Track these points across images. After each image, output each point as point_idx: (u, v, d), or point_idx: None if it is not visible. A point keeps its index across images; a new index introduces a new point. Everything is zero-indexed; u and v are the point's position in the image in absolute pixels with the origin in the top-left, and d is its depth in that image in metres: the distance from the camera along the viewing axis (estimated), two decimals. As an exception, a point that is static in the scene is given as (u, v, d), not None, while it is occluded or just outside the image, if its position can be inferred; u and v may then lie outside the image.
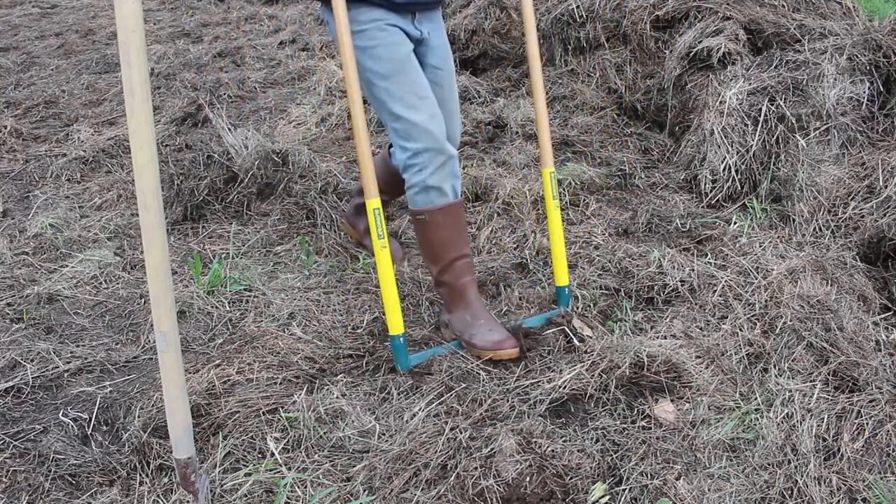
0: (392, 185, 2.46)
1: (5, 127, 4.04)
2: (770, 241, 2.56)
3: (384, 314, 2.10)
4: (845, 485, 1.68)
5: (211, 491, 1.71)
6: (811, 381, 1.96)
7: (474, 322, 2.14)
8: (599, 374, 1.97)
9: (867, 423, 1.82)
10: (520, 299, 2.40)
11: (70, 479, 1.76)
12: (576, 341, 2.15)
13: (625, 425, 1.86)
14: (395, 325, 2.07)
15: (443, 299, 2.24)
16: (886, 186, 2.58)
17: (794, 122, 2.85)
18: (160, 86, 4.88)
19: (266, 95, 4.69)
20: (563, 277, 2.32)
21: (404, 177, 2.12)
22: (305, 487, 1.71)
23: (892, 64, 2.92)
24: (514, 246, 2.73)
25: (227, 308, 2.44)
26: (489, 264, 2.60)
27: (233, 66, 5.33)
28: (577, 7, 4.04)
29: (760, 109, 2.91)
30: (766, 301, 2.23)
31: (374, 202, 2.00)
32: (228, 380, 2.07)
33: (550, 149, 2.28)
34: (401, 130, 2.05)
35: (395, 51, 2.01)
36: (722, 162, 2.93)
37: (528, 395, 1.97)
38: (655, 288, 2.38)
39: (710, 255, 2.53)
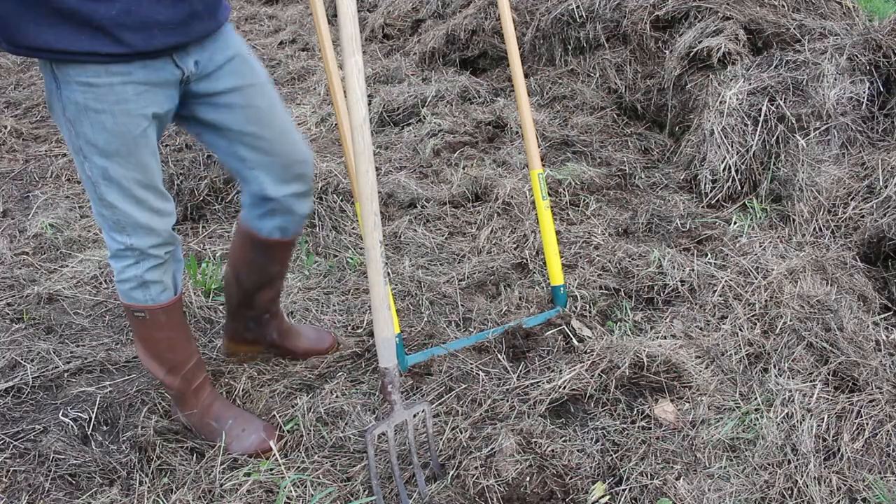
0: (256, 261, 1.92)
1: (5, 127, 4.04)
2: (770, 241, 2.56)
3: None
4: (845, 485, 1.68)
5: (211, 491, 1.71)
6: (811, 381, 1.96)
7: (222, 426, 1.87)
8: (599, 374, 1.97)
9: (867, 423, 1.82)
10: (520, 299, 2.40)
11: (70, 479, 1.76)
12: (575, 342, 2.15)
13: (625, 425, 1.86)
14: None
15: (173, 399, 1.93)
16: (886, 186, 2.58)
17: (794, 122, 2.85)
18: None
19: (266, 95, 4.68)
20: (557, 277, 2.32)
21: (111, 264, 1.70)
22: (305, 487, 1.71)
23: (892, 64, 2.92)
24: (514, 246, 2.73)
25: (227, 308, 2.44)
26: (489, 264, 2.60)
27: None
28: (577, 7, 4.04)
29: (760, 109, 2.91)
30: (766, 301, 2.23)
31: None
32: (233, 389, 2.07)
33: (537, 150, 2.29)
34: (111, 220, 1.60)
35: (129, 123, 1.48)
36: (722, 162, 2.93)
37: (528, 395, 1.97)
38: (655, 288, 2.38)
39: (710, 255, 2.53)
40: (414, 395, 2.01)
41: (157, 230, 1.63)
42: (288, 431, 1.89)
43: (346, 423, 1.91)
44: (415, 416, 1.68)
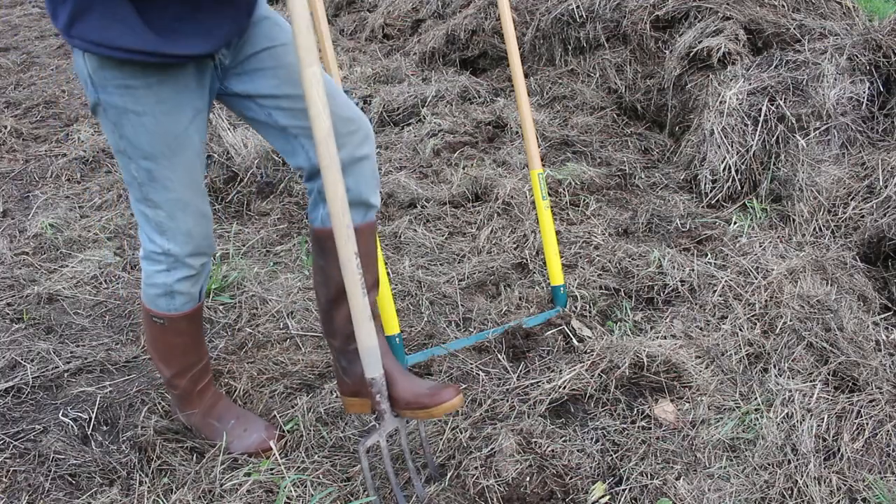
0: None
1: (5, 127, 4.04)
2: (770, 241, 2.56)
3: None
4: (845, 485, 1.68)
5: (211, 491, 1.71)
6: (811, 381, 1.96)
7: (223, 426, 1.86)
8: (599, 374, 1.97)
9: (867, 423, 1.82)
10: (520, 299, 2.40)
11: (70, 479, 1.76)
12: (575, 342, 2.15)
13: (625, 425, 1.86)
14: (391, 326, 2.07)
15: (174, 399, 1.90)
16: (886, 186, 2.58)
17: (794, 122, 2.85)
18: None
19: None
20: (557, 277, 2.32)
21: (142, 264, 1.66)
22: (305, 487, 1.71)
23: (892, 64, 2.92)
24: (514, 246, 2.73)
25: (227, 309, 2.44)
26: (489, 264, 2.60)
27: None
28: (577, 7, 4.04)
29: (760, 109, 2.91)
30: (766, 301, 2.23)
31: None
32: (233, 389, 2.07)
33: (537, 150, 2.29)
34: (153, 220, 1.57)
35: (172, 122, 1.46)
36: (722, 162, 2.93)
37: (528, 395, 1.97)
38: (655, 288, 2.38)
39: (710, 255, 2.53)
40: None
41: (196, 236, 1.60)
42: (288, 431, 1.89)
43: (346, 423, 1.91)
44: (407, 422, 1.67)
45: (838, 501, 1.65)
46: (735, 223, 2.73)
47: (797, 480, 1.68)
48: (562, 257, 2.59)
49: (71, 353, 2.24)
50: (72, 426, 1.92)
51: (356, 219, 1.63)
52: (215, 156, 3.21)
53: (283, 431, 1.89)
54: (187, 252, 1.60)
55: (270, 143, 1.64)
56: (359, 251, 1.57)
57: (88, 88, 1.45)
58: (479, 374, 2.07)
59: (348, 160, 1.58)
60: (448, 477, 1.72)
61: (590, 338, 2.17)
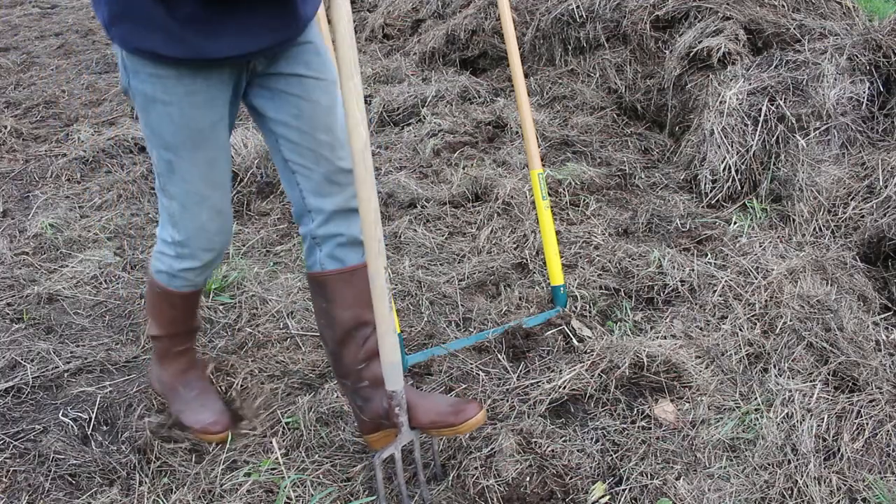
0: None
1: (5, 127, 4.04)
2: (770, 241, 2.56)
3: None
4: (845, 485, 1.68)
5: (211, 491, 1.71)
6: (811, 381, 1.96)
7: (185, 393, 1.87)
8: (599, 374, 1.97)
9: (867, 423, 1.82)
10: (520, 299, 2.40)
11: (70, 479, 1.76)
12: (575, 342, 2.15)
13: (625, 425, 1.86)
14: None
15: (155, 351, 1.91)
16: (886, 186, 2.58)
17: (794, 122, 2.85)
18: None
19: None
20: (557, 277, 2.32)
21: (157, 235, 1.69)
22: (305, 487, 1.71)
23: (892, 64, 2.92)
24: (514, 246, 2.73)
25: (227, 309, 2.44)
26: (489, 264, 2.60)
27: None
28: (577, 7, 4.04)
29: (760, 109, 2.91)
30: (766, 301, 2.23)
31: None
32: (232, 385, 2.07)
33: (537, 150, 2.29)
34: (170, 210, 1.58)
35: (198, 116, 1.45)
36: (722, 162, 2.93)
37: (528, 395, 1.97)
38: (655, 288, 2.38)
39: (710, 255, 2.53)
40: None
41: (210, 231, 1.59)
42: (288, 428, 1.89)
43: (346, 424, 1.91)
44: (420, 434, 1.68)
45: (838, 501, 1.65)
46: (735, 223, 2.73)
47: (797, 480, 1.68)
48: (562, 257, 2.59)
49: (71, 353, 2.24)
50: (72, 426, 1.92)
51: (357, 258, 1.63)
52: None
53: (285, 427, 1.89)
54: (198, 245, 1.62)
55: (275, 165, 1.67)
56: (361, 289, 1.61)
57: (122, 72, 1.46)
58: (479, 374, 2.07)
59: (343, 208, 1.60)
60: (449, 477, 1.72)
61: (590, 338, 2.17)
